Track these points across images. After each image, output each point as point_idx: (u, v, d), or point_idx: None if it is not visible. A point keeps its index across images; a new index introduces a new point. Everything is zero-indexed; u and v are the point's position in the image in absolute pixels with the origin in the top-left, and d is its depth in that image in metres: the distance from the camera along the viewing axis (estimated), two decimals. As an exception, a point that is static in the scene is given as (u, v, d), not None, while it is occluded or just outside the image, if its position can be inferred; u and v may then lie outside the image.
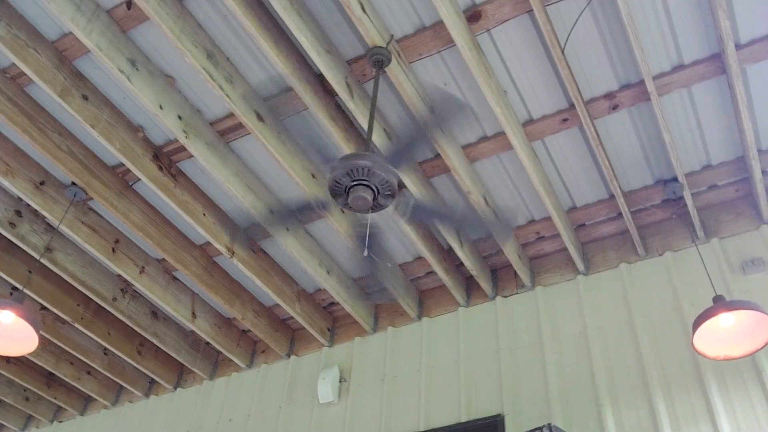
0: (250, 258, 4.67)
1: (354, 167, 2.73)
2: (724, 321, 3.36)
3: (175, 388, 5.80)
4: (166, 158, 4.20)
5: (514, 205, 4.34)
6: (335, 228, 4.32)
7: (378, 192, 2.78)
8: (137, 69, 3.54)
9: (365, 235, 2.98)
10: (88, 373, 5.89)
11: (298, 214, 3.16)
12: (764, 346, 3.34)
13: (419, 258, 4.85)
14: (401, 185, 2.83)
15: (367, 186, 2.76)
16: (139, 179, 4.19)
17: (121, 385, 6.04)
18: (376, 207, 2.86)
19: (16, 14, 3.45)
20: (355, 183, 2.76)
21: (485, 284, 4.72)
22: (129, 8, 3.42)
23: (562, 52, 3.38)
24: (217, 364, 5.76)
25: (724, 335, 3.40)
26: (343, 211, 4.21)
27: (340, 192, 2.82)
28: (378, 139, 3.70)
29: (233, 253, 4.50)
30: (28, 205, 4.42)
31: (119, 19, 3.47)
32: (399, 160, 2.86)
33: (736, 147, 4.03)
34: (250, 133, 3.86)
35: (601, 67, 3.63)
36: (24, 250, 4.56)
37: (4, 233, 4.35)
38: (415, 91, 3.56)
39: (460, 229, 4.18)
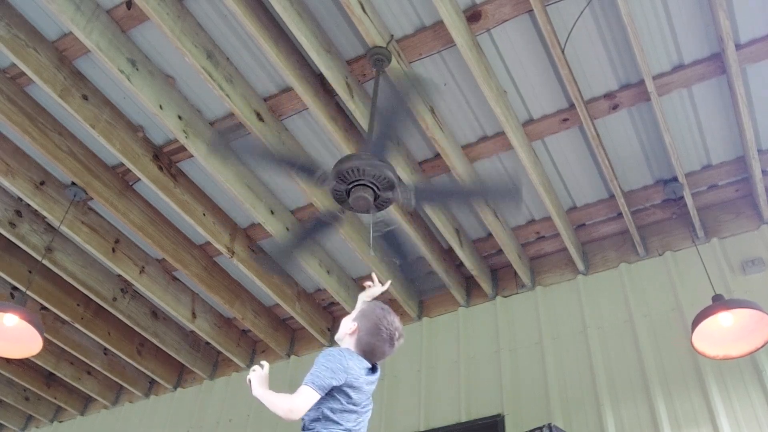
0: (250, 258, 4.67)
1: (344, 170, 2.74)
2: (723, 320, 3.35)
3: (175, 388, 5.80)
4: (166, 158, 4.20)
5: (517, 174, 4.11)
6: (335, 228, 4.30)
7: (378, 189, 2.78)
8: (137, 69, 3.54)
9: (379, 233, 2.99)
10: (88, 373, 5.88)
11: (315, 234, 3.17)
12: (764, 345, 3.34)
13: (419, 258, 4.84)
14: (398, 177, 2.81)
15: (365, 185, 2.77)
16: (139, 179, 4.18)
17: (121, 385, 6.03)
18: (381, 204, 2.86)
19: (16, 14, 3.44)
20: (352, 185, 2.77)
21: (485, 284, 4.72)
22: (129, 8, 3.42)
23: (562, 52, 3.38)
24: (217, 364, 5.75)
25: (723, 334, 3.40)
26: (343, 212, 4.19)
27: (343, 198, 2.83)
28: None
29: (233, 253, 4.50)
30: (28, 205, 4.41)
31: (119, 19, 3.47)
32: (383, 144, 2.84)
33: (736, 147, 4.03)
34: (249, 133, 3.86)
35: (601, 67, 3.63)
36: (24, 250, 4.55)
37: (4, 233, 4.35)
38: (415, 91, 3.55)
39: (469, 203, 3.96)
